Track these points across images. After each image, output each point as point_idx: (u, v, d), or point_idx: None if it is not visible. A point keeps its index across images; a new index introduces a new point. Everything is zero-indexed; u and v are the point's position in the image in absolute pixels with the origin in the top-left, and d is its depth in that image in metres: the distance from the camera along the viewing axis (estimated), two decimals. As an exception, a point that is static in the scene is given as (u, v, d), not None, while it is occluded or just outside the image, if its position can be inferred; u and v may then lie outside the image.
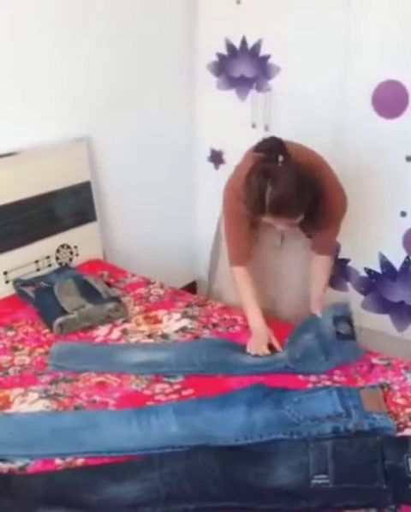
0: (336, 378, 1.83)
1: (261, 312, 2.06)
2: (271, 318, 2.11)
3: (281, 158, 1.74)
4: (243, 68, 2.89)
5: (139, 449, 1.56)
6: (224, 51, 2.93)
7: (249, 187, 1.77)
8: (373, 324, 2.85)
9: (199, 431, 1.61)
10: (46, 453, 1.56)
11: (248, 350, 1.96)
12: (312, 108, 2.71)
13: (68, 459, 1.52)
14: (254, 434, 1.58)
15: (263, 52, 2.79)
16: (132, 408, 1.71)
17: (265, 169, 1.74)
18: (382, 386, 1.75)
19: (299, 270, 2.23)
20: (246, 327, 2.10)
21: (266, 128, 2.86)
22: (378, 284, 2.82)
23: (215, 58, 2.98)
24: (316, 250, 2.12)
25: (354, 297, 2.92)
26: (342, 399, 1.66)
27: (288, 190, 1.71)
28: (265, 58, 2.78)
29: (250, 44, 2.81)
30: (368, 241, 2.78)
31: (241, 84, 2.93)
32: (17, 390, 1.79)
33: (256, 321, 2.05)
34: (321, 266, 2.14)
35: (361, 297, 2.90)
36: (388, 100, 2.48)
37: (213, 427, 1.63)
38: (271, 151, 1.76)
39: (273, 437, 1.56)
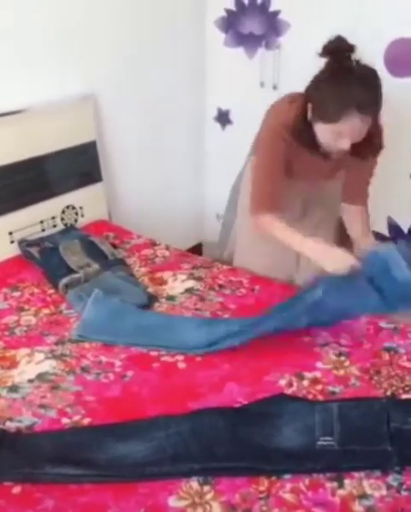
0: (343, 341, 1.82)
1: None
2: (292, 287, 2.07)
3: (354, 57, 1.65)
4: (252, 25, 2.81)
5: (207, 341, 1.75)
6: (233, 7, 2.84)
7: (326, 91, 1.66)
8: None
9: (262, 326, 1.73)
10: (125, 341, 1.80)
11: (330, 269, 1.71)
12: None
13: (75, 418, 1.52)
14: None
15: (273, 7, 2.71)
16: (203, 318, 1.94)
17: (346, 67, 1.64)
18: (389, 350, 1.76)
19: None
20: (251, 290, 2.10)
21: (275, 87, 2.80)
22: (386, 247, 2.79)
23: (223, 14, 2.89)
24: (348, 197, 2.01)
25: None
26: None
27: (376, 83, 1.65)
28: (275, 14, 2.70)
29: (259, -2, 2.73)
30: (376, 203, 2.74)
31: (249, 41, 2.85)
32: (24, 351, 1.79)
33: (310, 244, 1.81)
34: (359, 216, 2.01)
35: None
36: (401, 58, 2.42)
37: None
38: (341, 51, 1.66)
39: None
